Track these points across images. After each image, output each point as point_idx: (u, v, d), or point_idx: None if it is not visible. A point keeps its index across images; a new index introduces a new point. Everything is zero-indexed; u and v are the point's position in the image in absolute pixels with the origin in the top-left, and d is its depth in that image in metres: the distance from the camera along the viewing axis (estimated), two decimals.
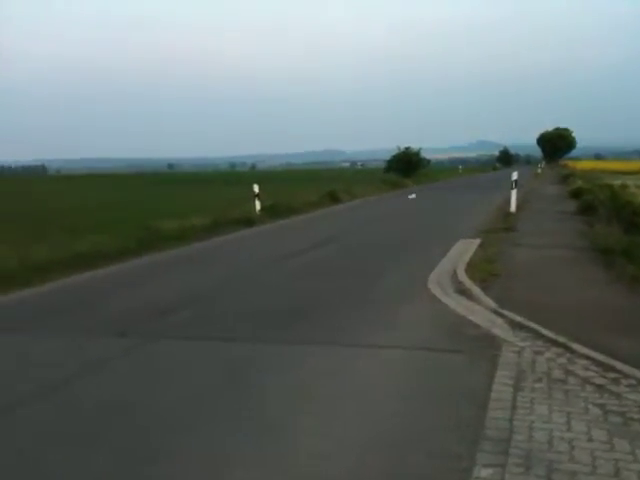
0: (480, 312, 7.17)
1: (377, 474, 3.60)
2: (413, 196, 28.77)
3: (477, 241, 12.70)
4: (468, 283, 8.56)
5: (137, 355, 6.06)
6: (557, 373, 5.14)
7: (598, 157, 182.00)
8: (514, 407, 4.45)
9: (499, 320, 6.76)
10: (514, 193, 19.38)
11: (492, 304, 7.34)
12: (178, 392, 5.02)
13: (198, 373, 5.48)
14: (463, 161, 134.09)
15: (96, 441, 4.14)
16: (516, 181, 19.45)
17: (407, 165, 49.76)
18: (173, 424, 4.37)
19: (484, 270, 9.30)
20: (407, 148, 51.00)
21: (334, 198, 27.19)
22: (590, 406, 4.46)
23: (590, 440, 3.92)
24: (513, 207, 19.13)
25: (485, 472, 3.54)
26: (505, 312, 6.94)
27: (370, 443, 3.99)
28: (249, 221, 18.04)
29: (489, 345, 5.94)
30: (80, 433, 4.29)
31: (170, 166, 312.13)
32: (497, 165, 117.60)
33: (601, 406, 4.45)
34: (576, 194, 23.99)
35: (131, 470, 3.73)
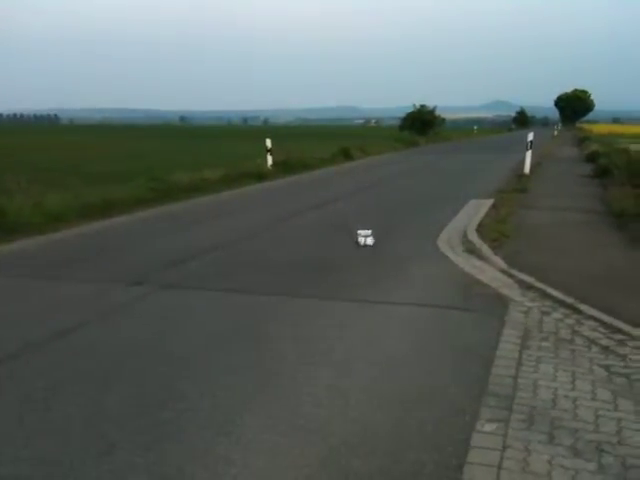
0: (489, 272, 7.19)
1: (381, 426, 3.66)
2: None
3: (489, 202, 12.64)
4: (478, 243, 8.56)
5: (153, 303, 6.15)
6: (564, 333, 5.18)
7: (616, 121, 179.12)
8: (519, 365, 4.50)
9: (508, 280, 6.78)
10: (529, 155, 19.13)
11: (502, 264, 7.36)
12: (191, 339, 5.12)
13: (211, 322, 5.57)
14: (478, 121, 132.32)
15: (110, 383, 4.25)
16: (531, 142, 19.19)
17: (422, 124, 49.14)
18: (183, 369, 4.46)
19: (495, 230, 9.27)
20: (422, 106, 50.30)
21: (347, 155, 27.04)
22: (595, 367, 4.50)
23: (594, 399, 3.97)
24: (527, 169, 18.93)
25: (489, 427, 3.60)
26: (514, 272, 6.95)
27: (375, 395, 4.05)
28: (260, 176, 18.03)
29: (497, 304, 5.98)
30: (94, 375, 4.39)
31: (182, 119, 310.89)
32: (512, 126, 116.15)
33: (606, 367, 4.50)
34: (592, 157, 23.72)
35: (143, 411, 3.82)
